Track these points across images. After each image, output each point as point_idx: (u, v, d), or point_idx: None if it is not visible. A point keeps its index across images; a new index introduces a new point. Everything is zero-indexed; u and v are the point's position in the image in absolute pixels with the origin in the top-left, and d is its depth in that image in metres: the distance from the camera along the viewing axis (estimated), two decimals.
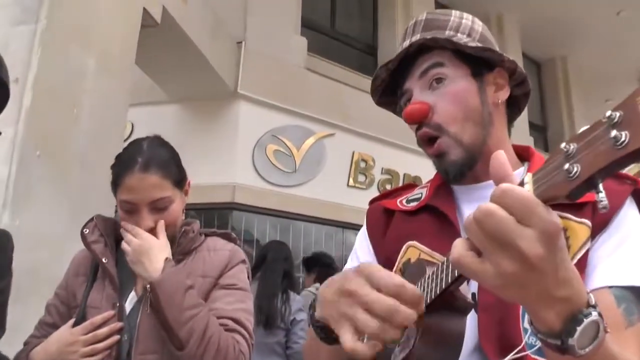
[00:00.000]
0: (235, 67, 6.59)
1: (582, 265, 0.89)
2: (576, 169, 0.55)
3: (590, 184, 0.55)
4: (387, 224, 1.14)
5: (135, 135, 4.59)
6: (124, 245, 1.45)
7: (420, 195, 1.15)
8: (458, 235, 0.97)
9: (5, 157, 2.59)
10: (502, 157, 0.63)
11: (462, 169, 1.02)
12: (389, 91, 1.15)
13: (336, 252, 7.42)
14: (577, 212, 0.92)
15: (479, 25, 1.11)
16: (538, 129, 11.44)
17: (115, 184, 1.46)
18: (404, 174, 7.84)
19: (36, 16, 2.86)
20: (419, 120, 1.02)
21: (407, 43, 1.07)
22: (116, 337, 1.42)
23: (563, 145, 0.57)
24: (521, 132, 9.97)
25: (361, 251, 1.18)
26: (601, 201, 0.55)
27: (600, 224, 0.91)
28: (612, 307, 0.82)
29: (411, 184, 1.28)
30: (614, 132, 0.51)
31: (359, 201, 7.46)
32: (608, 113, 0.53)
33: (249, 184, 6.54)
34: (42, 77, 2.79)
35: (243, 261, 1.60)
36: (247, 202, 6.48)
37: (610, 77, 12.13)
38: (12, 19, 2.90)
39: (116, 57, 3.52)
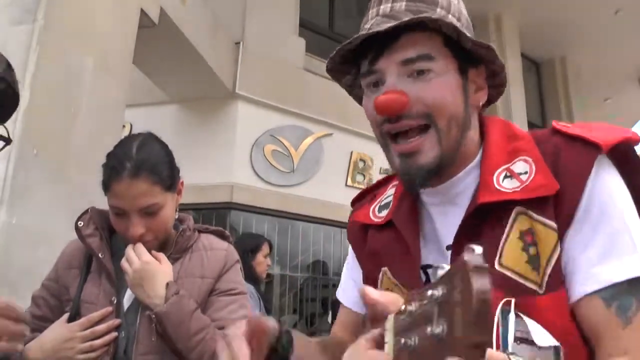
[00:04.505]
0: (234, 68, 6.61)
1: (557, 275, 0.80)
2: (413, 343, 0.49)
3: None
4: (365, 240, 1.06)
5: None
6: (123, 263, 1.41)
7: (389, 199, 1.05)
8: (417, 264, 0.93)
9: (3, 155, 2.58)
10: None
11: (428, 175, 0.88)
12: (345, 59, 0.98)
13: (334, 252, 7.45)
14: (540, 209, 0.83)
15: (462, 5, 0.96)
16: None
17: (105, 188, 1.43)
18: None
19: (34, 16, 2.87)
20: (398, 113, 0.86)
21: (387, 9, 0.90)
22: (114, 334, 1.40)
23: (402, 306, 0.54)
24: None
25: (353, 269, 1.11)
26: None
27: (567, 215, 0.81)
28: (602, 311, 0.76)
29: (390, 176, 1.14)
30: (434, 329, 0.46)
31: None
32: (429, 292, 0.48)
33: (247, 184, 6.56)
34: (39, 77, 2.80)
35: (238, 261, 1.61)
36: (245, 202, 6.49)
37: (609, 76, 12.16)
38: (10, 19, 2.91)
39: (114, 57, 3.53)
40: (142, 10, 4.01)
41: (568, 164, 0.83)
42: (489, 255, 0.83)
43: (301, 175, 7.03)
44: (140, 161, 1.40)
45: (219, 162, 6.50)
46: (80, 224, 1.53)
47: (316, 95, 7.18)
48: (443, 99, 0.86)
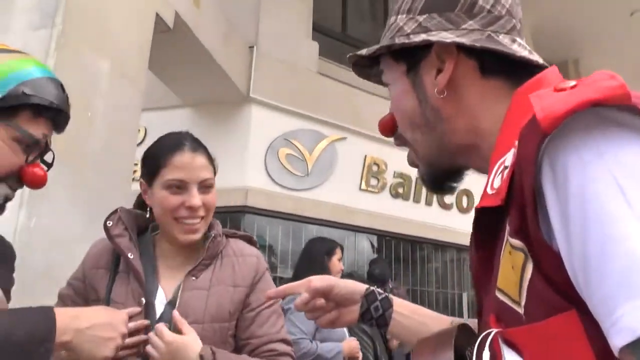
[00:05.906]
0: (248, 72, 6.62)
1: (536, 301, 0.58)
2: None
3: None
4: None
5: (149, 140, 4.63)
6: (149, 349, 1.35)
7: None
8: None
9: None
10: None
11: (431, 180, 0.89)
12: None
13: (348, 255, 7.42)
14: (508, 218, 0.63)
15: None
16: None
17: (159, 165, 1.49)
18: (416, 178, 7.78)
19: (52, 20, 2.90)
20: (387, 135, 0.93)
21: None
22: (143, 337, 1.37)
23: None
24: None
25: None
26: None
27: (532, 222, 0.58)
28: None
29: None
30: None
31: (371, 205, 7.45)
32: None
33: (261, 188, 6.56)
34: None
35: (267, 268, 1.64)
36: (260, 205, 6.49)
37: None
38: (30, 24, 2.95)
39: (130, 62, 3.55)
40: (157, 15, 4.04)
41: (519, 151, 0.60)
42: (489, 276, 0.69)
43: (315, 179, 7.02)
44: (196, 140, 1.57)
45: (233, 165, 6.50)
46: (109, 223, 1.54)
47: (330, 99, 7.18)
48: (398, 108, 0.89)
